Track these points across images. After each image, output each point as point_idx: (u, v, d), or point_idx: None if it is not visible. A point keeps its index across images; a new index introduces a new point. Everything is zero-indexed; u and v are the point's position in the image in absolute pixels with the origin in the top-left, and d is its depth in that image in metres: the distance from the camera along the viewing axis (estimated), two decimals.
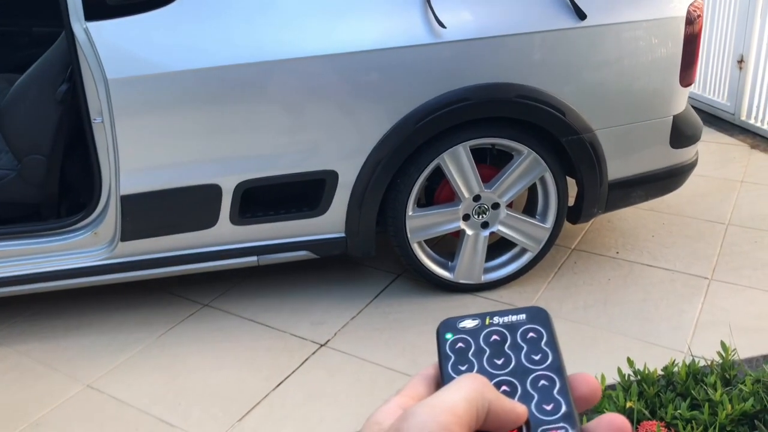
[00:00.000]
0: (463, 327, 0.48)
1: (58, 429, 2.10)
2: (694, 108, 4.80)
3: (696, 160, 2.84)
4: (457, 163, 2.46)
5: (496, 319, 0.48)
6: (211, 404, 2.18)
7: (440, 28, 2.27)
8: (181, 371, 2.34)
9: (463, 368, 0.45)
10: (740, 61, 4.41)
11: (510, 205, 2.62)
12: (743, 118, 4.45)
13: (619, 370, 1.89)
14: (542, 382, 0.44)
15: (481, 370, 0.45)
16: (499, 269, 2.73)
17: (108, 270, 2.43)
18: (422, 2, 2.28)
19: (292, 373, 2.32)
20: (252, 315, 2.64)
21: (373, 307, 2.68)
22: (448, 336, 0.47)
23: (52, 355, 2.44)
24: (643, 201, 2.79)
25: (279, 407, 2.16)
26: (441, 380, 0.45)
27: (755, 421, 1.69)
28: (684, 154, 2.74)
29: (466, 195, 2.53)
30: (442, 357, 0.46)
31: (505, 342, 0.46)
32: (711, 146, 4.19)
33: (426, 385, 0.45)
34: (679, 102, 2.63)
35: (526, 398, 0.43)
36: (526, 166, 2.51)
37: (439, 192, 2.64)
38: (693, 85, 2.66)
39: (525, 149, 2.47)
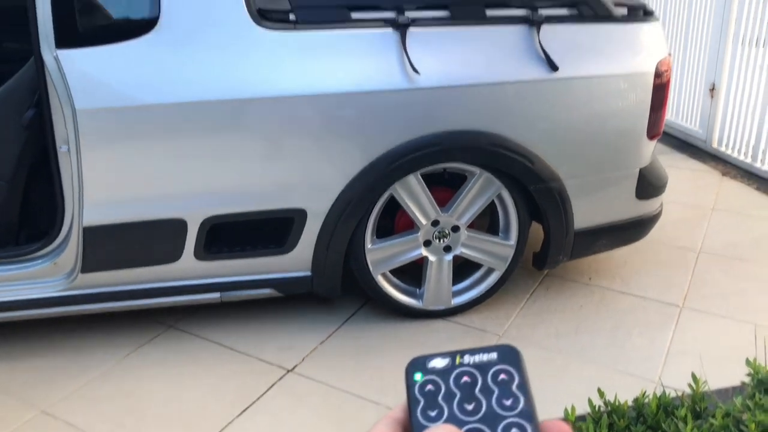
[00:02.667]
0: (433, 367, 0.46)
1: None
2: (668, 134, 4.87)
3: (660, 212, 2.87)
4: (410, 192, 2.45)
5: (466, 358, 0.46)
6: (174, 430, 2.11)
7: (415, 74, 2.27)
8: (143, 396, 2.27)
9: (433, 414, 0.44)
10: (712, 90, 4.47)
11: (472, 225, 2.60)
12: (715, 145, 4.51)
13: (590, 401, 1.86)
14: (513, 430, 0.42)
15: (451, 417, 0.43)
16: (468, 291, 2.70)
17: (66, 302, 2.36)
18: (398, 49, 2.28)
19: (258, 399, 2.25)
20: (218, 338, 2.58)
21: (343, 331, 2.63)
22: (417, 377, 0.46)
23: (7, 377, 2.35)
24: (607, 250, 2.81)
25: None
26: (410, 427, 0.44)
27: None
28: (649, 206, 2.77)
29: (424, 221, 2.52)
30: (412, 400, 0.45)
31: (476, 384, 0.45)
32: (683, 173, 4.23)
33: None
34: (646, 154, 2.66)
35: None
36: (480, 186, 2.50)
37: (397, 221, 2.63)
38: (660, 135, 2.70)
39: (477, 170, 2.46)
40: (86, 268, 2.32)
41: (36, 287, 2.36)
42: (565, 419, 1.88)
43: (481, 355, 0.46)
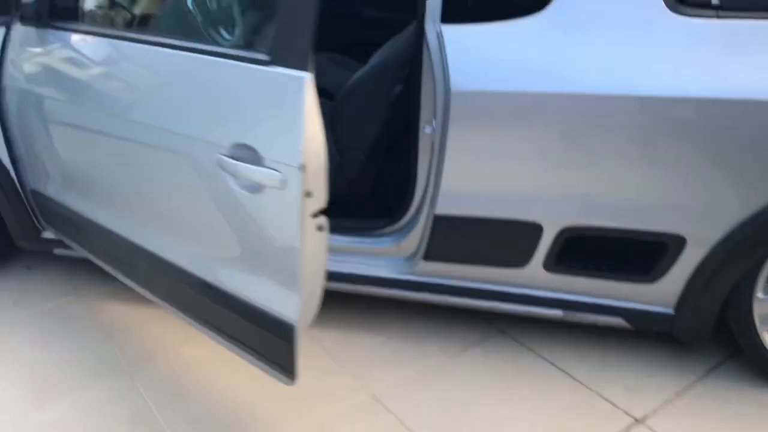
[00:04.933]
0: None
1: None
2: None
3: None
4: None
5: None
6: None
7: None
8: (469, 406, 2.11)
9: None
10: None
11: None
12: None
13: None
14: None
15: None
16: None
17: (404, 286, 2.29)
18: None
19: None
20: (553, 357, 2.31)
21: (705, 385, 2.17)
22: None
23: (347, 353, 2.34)
24: None
25: None
26: None
27: None
28: None
29: None
30: None
31: None
32: None
33: None
34: None
35: None
36: None
37: None
38: None
39: None
40: (429, 256, 2.22)
41: (378, 265, 2.33)
42: None
43: None
